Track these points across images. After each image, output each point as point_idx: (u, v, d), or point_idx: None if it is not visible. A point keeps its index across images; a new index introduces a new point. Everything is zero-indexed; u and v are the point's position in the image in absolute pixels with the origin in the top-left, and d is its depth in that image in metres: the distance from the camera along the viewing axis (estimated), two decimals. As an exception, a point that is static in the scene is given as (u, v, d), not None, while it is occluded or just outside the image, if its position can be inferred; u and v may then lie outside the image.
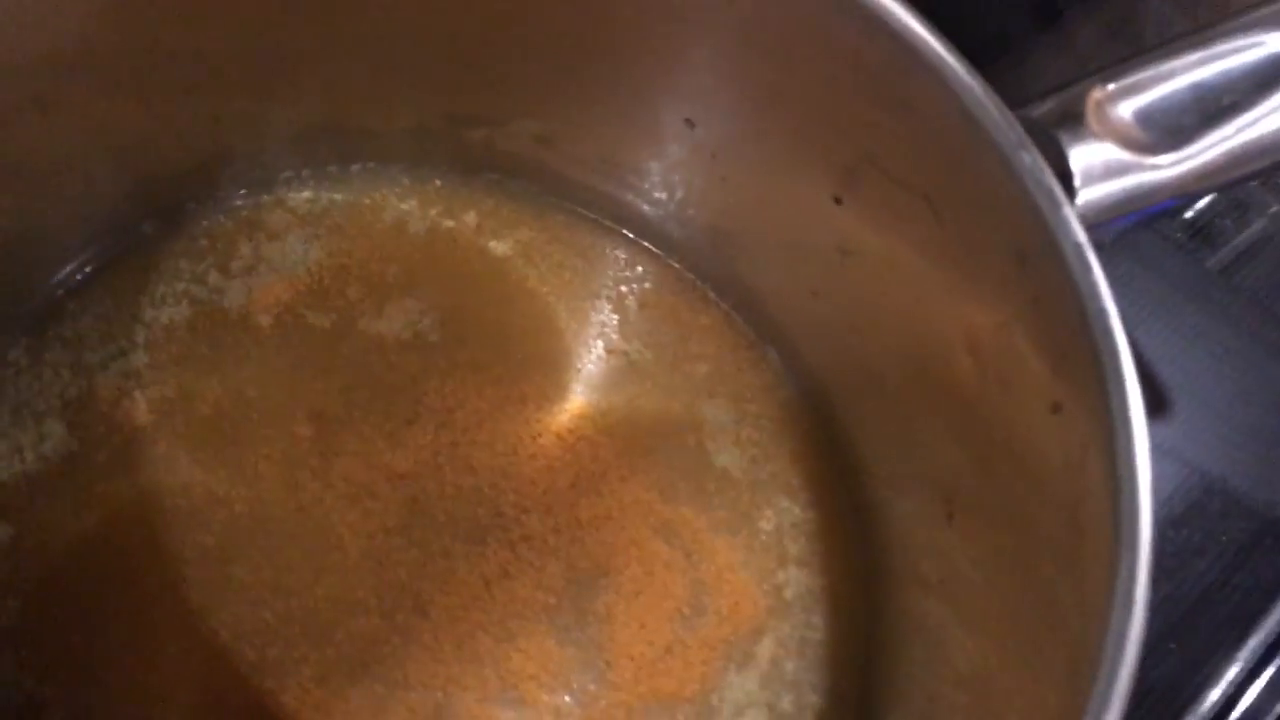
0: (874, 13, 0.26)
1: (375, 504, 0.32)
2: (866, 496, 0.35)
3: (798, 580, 0.34)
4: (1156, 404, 0.41)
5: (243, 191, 0.34)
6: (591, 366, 0.36)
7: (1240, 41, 0.27)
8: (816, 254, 0.33)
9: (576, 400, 0.35)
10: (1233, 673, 0.38)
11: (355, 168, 0.35)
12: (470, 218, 0.36)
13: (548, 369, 0.35)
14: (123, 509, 0.31)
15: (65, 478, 0.31)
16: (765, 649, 0.34)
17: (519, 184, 0.37)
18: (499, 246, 0.36)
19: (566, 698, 0.32)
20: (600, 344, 0.36)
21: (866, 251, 0.31)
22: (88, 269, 0.33)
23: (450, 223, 0.36)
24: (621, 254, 0.37)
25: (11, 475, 0.31)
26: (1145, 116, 0.27)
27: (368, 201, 0.35)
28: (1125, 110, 0.27)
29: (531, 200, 0.37)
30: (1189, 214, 0.45)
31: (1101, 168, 0.27)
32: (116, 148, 0.31)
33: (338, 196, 0.35)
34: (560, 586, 0.33)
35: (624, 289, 0.37)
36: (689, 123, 0.33)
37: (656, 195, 0.36)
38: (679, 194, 0.35)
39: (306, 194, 0.35)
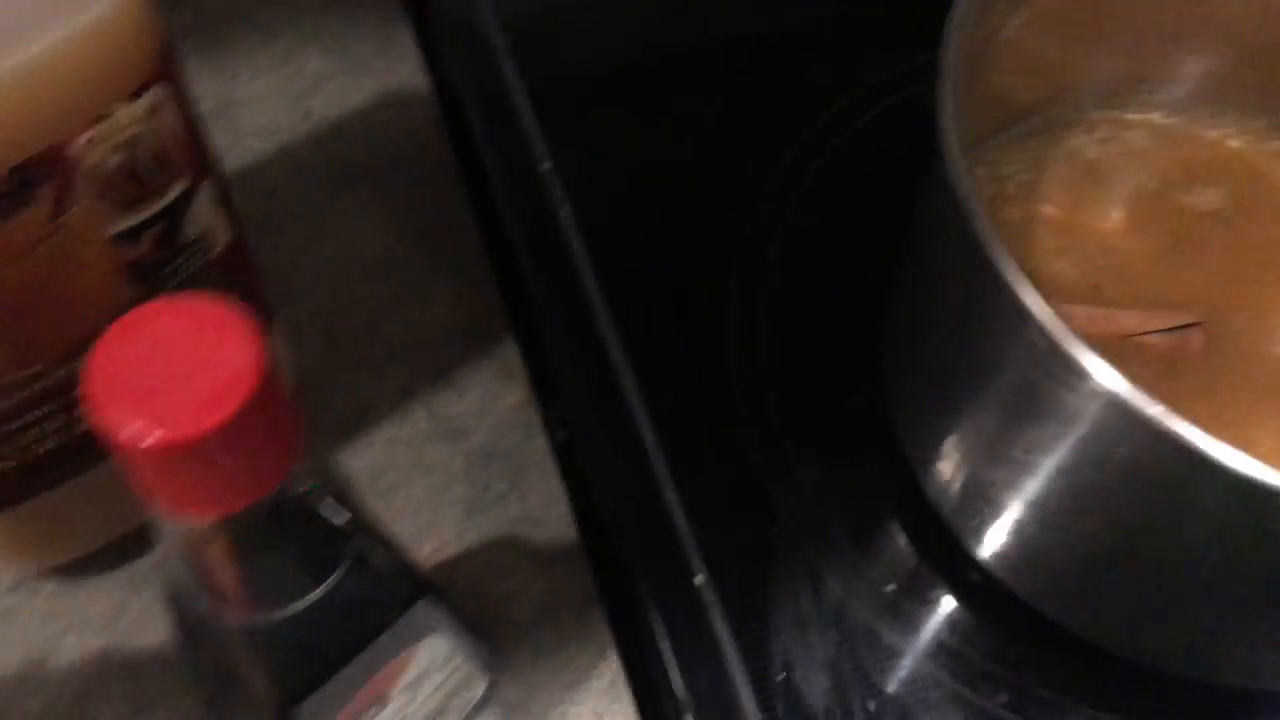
0: None
1: (1166, 300, 0.46)
2: None
3: None
4: None
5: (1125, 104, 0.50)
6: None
7: None
8: None
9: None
10: None
11: (1205, 102, 0.50)
12: (1276, 144, 0.50)
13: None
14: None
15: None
16: None
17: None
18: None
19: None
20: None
21: None
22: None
23: (1264, 145, 0.50)
24: None
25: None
26: None
27: (1203, 126, 0.50)
28: None
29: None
30: None
31: None
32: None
33: (1183, 117, 0.51)
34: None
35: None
36: None
37: None
38: None
39: (1159, 114, 0.51)
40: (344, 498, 0.30)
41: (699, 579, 0.42)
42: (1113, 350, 0.45)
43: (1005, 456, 0.37)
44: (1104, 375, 0.30)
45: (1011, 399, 0.35)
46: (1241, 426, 0.43)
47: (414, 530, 0.46)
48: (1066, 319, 0.46)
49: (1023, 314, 0.31)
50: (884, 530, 0.43)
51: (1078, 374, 0.30)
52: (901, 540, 0.43)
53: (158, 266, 0.37)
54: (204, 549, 0.28)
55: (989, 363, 0.35)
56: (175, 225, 0.37)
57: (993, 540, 0.40)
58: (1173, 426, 0.29)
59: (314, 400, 0.49)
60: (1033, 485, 0.37)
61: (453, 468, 0.48)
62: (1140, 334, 0.45)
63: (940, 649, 0.41)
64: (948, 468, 0.41)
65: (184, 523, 0.27)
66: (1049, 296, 0.47)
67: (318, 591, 0.29)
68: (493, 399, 0.49)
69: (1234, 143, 0.51)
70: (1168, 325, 0.45)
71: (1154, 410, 0.29)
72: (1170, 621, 0.37)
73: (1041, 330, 0.31)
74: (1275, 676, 0.39)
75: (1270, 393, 0.44)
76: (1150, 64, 0.49)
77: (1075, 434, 0.33)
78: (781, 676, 0.40)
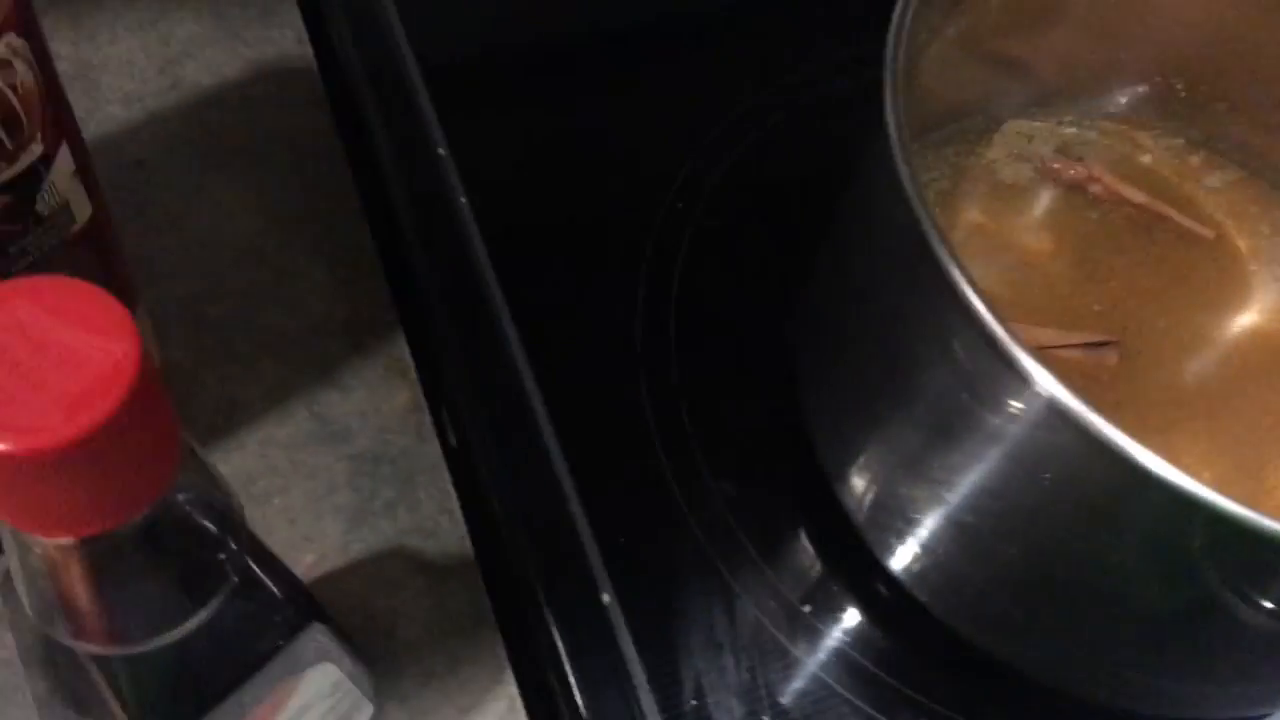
0: None
1: (1082, 318, 0.44)
2: None
3: None
4: None
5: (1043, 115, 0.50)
6: (1262, 296, 0.47)
7: None
8: None
9: (1249, 317, 0.46)
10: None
11: (1121, 113, 0.49)
12: (1195, 160, 0.50)
13: (1224, 281, 0.46)
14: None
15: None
16: None
17: (1239, 154, 0.49)
18: (1210, 180, 0.49)
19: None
20: (1270, 281, 0.47)
21: None
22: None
23: (1175, 160, 0.50)
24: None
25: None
26: None
27: (1118, 138, 0.50)
28: None
29: (1243, 167, 0.49)
30: None
31: None
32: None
33: (1094, 134, 0.50)
34: (1233, 431, 0.42)
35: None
36: None
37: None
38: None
39: (1074, 128, 0.50)
40: (228, 511, 0.26)
41: (606, 597, 0.39)
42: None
43: (925, 472, 0.36)
44: (1045, 379, 0.28)
45: (937, 410, 0.33)
46: (1166, 434, 0.42)
47: (292, 540, 0.42)
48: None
49: (967, 315, 0.29)
50: (800, 545, 0.41)
51: (1020, 378, 0.29)
52: (818, 557, 0.41)
53: (8, 243, 0.33)
54: (64, 569, 0.24)
55: (916, 373, 0.34)
56: (29, 197, 0.33)
57: (910, 559, 0.38)
58: (1112, 435, 0.28)
59: (179, 396, 0.45)
60: (954, 503, 0.35)
61: (335, 473, 0.44)
62: (1056, 348, 0.44)
63: (858, 674, 0.39)
64: (864, 481, 0.39)
65: (41, 539, 0.23)
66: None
67: (194, 620, 0.26)
68: (380, 399, 0.46)
69: (1146, 158, 0.50)
70: (1083, 341, 0.44)
71: (1093, 417, 0.28)
72: (1095, 650, 0.36)
73: (986, 332, 0.29)
74: (1199, 707, 0.38)
75: (1189, 404, 0.43)
76: (1075, 78, 0.48)
77: (1004, 447, 0.32)
78: (693, 703, 0.38)
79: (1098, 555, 0.33)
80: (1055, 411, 0.29)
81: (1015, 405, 0.30)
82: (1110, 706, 0.40)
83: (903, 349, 0.34)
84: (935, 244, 0.30)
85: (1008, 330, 0.29)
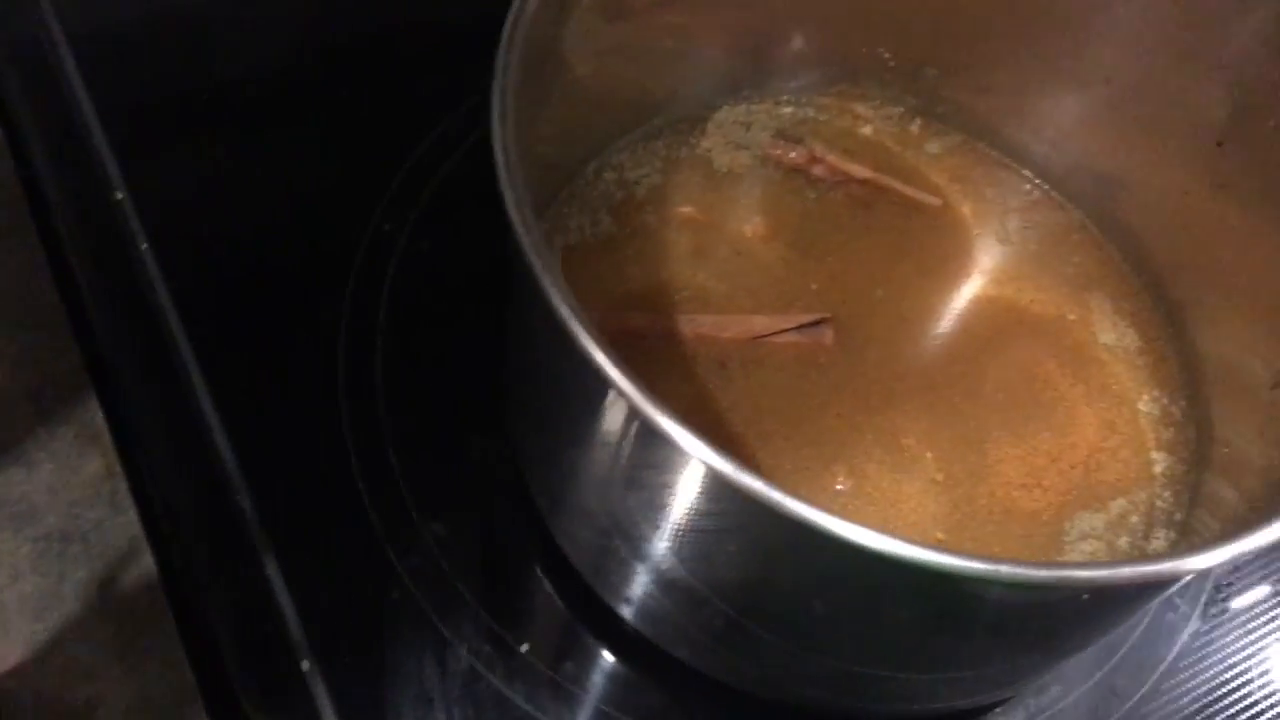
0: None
1: (798, 299, 0.43)
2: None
3: (1163, 461, 0.42)
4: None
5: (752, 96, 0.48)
6: (985, 259, 0.46)
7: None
8: (1190, 190, 0.41)
9: (972, 282, 0.45)
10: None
11: (836, 88, 0.48)
12: (914, 127, 0.49)
13: (946, 249, 0.46)
14: (639, 276, 0.43)
15: (605, 250, 0.44)
16: (1118, 505, 0.41)
17: (957, 118, 0.49)
18: (931, 147, 0.49)
19: (939, 475, 0.40)
20: (993, 244, 0.47)
21: (1239, 186, 0.39)
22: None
23: (896, 129, 0.49)
24: (1021, 186, 0.48)
25: (575, 243, 0.43)
26: None
27: (838, 113, 0.49)
28: None
29: (962, 131, 0.49)
30: None
31: None
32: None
33: (812, 111, 0.49)
34: (954, 403, 0.42)
35: (1016, 214, 0.47)
36: (1106, 81, 0.43)
37: (1062, 144, 0.47)
38: (1079, 142, 0.46)
39: (788, 107, 0.49)
40: None
41: (305, 664, 0.36)
42: (749, 355, 0.43)
43: (617, 513, 0.34)
44: (691, 445, 0.26)
45: (605, 458, 0.31)
46: (888, 413, 0.41)
47: (-31, 640, 0.39)
48: (695, 325, 0.44)
49: (604, 383, 0.27)
50: (515, 584, 0.39)
51: (663, 442, 0.27)
52: (535, 595, 0.39)
53: None
54: None
55: (581, 422, 0.31)
56: None
57: (624, 588, 0.36)
58: (765, 492, 0.26)
59: None
60: (647, 542, 0.33)
61: (18, 559, 0.40)
62: (771, 334, 0.43)
63: (580, 709, 0.37)
64: (572, 519, 0.37)
65: None
66: (684, 305, 0.45)
67: None
68: (69, 472, 0.42)
69: (867, 130, 0.49)
70: (796, 324, 0.43)
71: (744, 479, 0.26)
72: (817, 664, 0.35)
73: (623, 399, 0.27)
74: (939, 697, 0.37)
75: (910, 377, 0.42)
76: (767, 54, 0.47)
77: (675, 497, 0.30)
78: (402, 766, 0.35)
79: (789, 588, 0.31)
80: (710, 474, 0.27)
81: (667, 471, 0.28)
82: (855, 710, 0.39)
83: (567, 396, 0.32)
84: (560, 309, 0.27)
85: (651, 402, 0.27)
